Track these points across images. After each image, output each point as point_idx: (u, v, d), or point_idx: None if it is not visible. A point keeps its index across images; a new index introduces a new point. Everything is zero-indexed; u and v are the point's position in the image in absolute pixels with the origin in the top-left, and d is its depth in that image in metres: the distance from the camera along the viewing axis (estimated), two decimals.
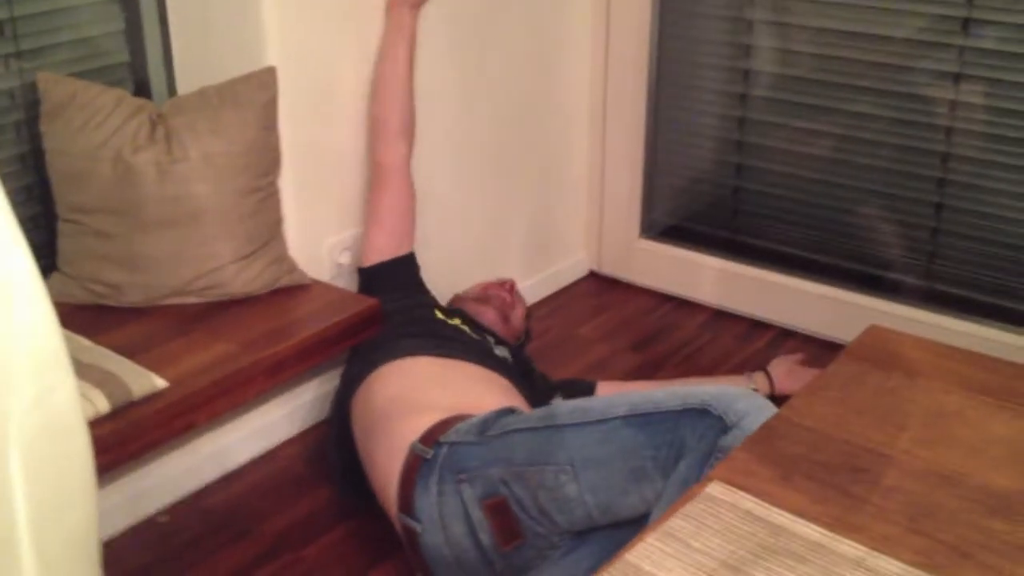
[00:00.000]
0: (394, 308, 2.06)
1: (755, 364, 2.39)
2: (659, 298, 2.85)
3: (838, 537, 1.08)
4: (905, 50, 2.38)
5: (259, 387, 1.84)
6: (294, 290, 2.04)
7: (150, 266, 1.89)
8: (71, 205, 1.89)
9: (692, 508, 1.13)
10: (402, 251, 2.18)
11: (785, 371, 2.29)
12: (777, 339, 2.62)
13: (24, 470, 0.71)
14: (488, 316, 2.25)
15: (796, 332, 2.64)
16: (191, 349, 1.81)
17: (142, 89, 2.08)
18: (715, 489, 1.16)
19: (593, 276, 3.00)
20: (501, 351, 2.11)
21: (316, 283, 2.09)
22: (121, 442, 1.61)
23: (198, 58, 2.08)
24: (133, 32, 2.06)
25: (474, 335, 2.10)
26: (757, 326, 2.69)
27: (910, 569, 1.04)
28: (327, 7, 2.06)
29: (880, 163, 2.49)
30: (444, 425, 1.70)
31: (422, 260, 2.23)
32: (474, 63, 2.46)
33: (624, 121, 2.80)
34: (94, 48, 2.03)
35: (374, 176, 2.18)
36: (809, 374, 2.21)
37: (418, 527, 1.65)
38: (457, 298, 2.38)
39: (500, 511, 1.59)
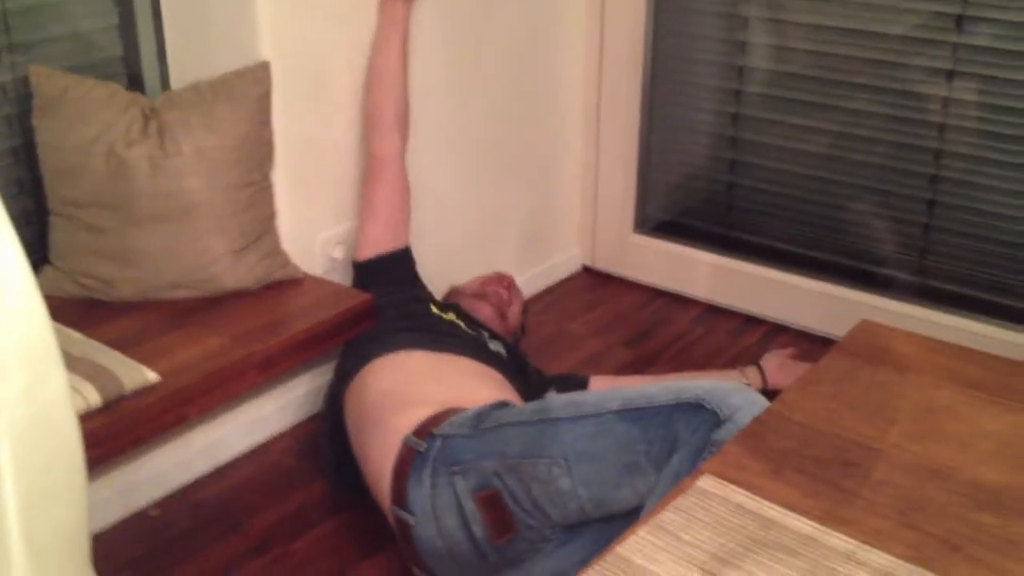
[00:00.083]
0: (389, 302, 2.06)
1: (747, 359, 2.39)
2: (652, 293, 2.85)
3: (829, 530, 1.09)
4: (899, 47, 2.38)
5: (251, 381, 1.84)
6: (287, 284, 2.04)
7: (142, 260, 1.89)
8: (63, 199, 1.88)
9: (683, 501, 1.13)
10: (398, 244, 2.18)
11: (777, 365, 2.30)
12: (769, 334, 2.63)
13: (13, 460, 0.71)
14: (484, 313, 2.25)
15: (788, 327, 2.65)
16: (183, 343, 1.81)
17: (135, 83, 2.08)
18: (706, 482, 1.16)
19: (587, 271, 3.00)
20: (495, 346, 2.11)
21: (309, 277, 2.09)
22: (112, 435, 1.61)
23: (191, 52, 2.08)
24: (126, 26, 2.06)
25: (469, 330, 2.10)
26: (750, 321, 2.69)
27: (900, 562, 1.04)
28: (321, 1, 2.06)
29: (873, 159, 2.50)
30: (438, 418, 1.70)
31: (416, 254, 2.23)
32: (469, 58, 2.46)
33: (619, 116, 2.80)
34: (87, 42, 2.02)
35: (368, 169, 2.18)
36: (801, 368, 2.22)
37: (411, 519, 1.65)
38: (454, 292, 2.38)
39: (493, 504, 1.59)
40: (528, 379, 2.14)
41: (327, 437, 2.01)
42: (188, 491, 2.03)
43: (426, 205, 2.37)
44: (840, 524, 1.10)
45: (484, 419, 1.66)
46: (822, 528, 1.09)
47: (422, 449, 1.66)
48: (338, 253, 2.23)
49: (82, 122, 1.84)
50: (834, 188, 2.58)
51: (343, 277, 2.22)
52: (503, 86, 2.58)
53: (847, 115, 2.50)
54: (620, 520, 1.50)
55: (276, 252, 2.04)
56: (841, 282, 2.58)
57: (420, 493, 1.64)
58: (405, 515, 1.66)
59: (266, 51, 1.99)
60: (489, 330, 2.17)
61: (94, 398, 1.59)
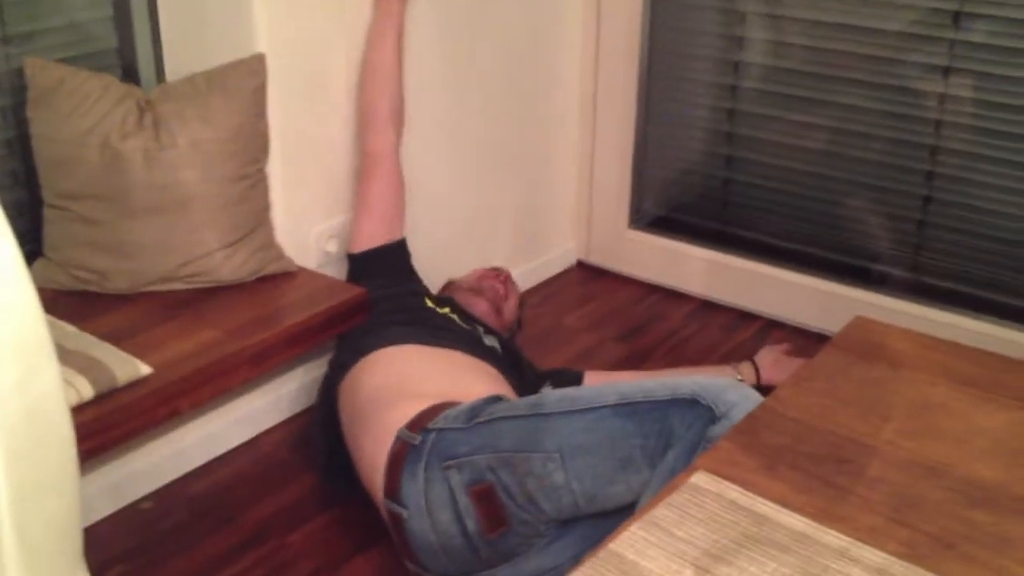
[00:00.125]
0: (383, 295, 2.06)
1: (742, 354, 2.39)
2: (647, 288, 2.85)
3: (822, 527, 1.08)
4: (895, 43, 2.38)
5: (244, 374, 1.83)
6: (281, 278, 2.04)
7: (137, 252, 1.89)
8: (58, 191, 1.88)
9: (676, 497, 1.13)
10: (393, 237, 2.18)
11: (771, 361, 2.30)
12: (764, 330, 2.63)
13: (5, 453, 0.71)
14: (480, 307, 2.25)
15: (783, 323, 2.65)
16: (176, 336, 1.81)
17: (130, 75, 2.07)
18: (700, 479, 1.16)
19: (581, 266, 3.00)
20: (490, 340, 2.10)
21: (303, 271, 2.09)
22: (105, 428, 1.60)
23: (187, 44, 2.07)
24: (122, 18, 2.05)
25: (464, 324, 2.09)
26: (744, 317, 2.69)
27: (894, 559, 1.04)
28: None
29: (869, 155, 2.50)
30: (432, 412, 1.70)
31: (411, 248, 2.23)
32: (465, 53, 2.45)
33: (615, 111, 2.79)
34: (82, 33, 2.02)
35: (363, 164, 2.17)
36: (795, 364, 2.22)
37: (404, 513, 1.65)
38: (451, 285, 2.38)
39: (486, 498, 1.59)
40: (523, 374, 2.13)
41: (320, 429, 2.01)
42: (181, 484, 2.03)
43: (421, 199, 2.37)
44: (833, 521, 1.10)
45: (478, 413, 1.66)
46: (815, 525, 1.09)
47: (416, 443, 1.66)
48: (332, 247, 2.23)
49: (77, 114, 1.84)
50: (830, 184, 2.58)
51: (337, 271, 2.22)
52: (498, 81, 2.57)
53: (843, 111, 2.50)
54: (614, 516, 1.50)
55: (270, 245, 2.03)
56: (836, 278, 2.58)
57: (414, 487, 1.64)
58: (398, 509, 1.65)
59: (261, 43, 1.98)
60: (484, 325, 2.17)
61: (87, 391, 1.59)
